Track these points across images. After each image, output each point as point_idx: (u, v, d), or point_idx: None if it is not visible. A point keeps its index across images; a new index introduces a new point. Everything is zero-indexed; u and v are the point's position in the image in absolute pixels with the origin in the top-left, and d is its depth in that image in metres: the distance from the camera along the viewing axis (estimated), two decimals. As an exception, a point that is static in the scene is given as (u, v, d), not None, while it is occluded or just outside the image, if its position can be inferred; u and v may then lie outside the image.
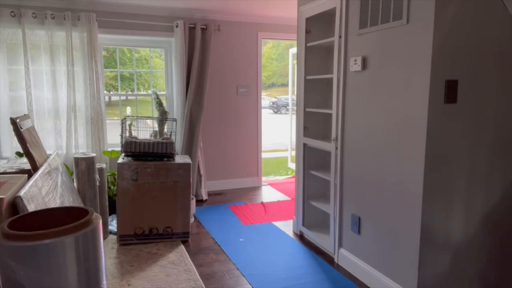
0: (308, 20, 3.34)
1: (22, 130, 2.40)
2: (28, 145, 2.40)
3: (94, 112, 4.30)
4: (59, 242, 1.37)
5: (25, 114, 3.01)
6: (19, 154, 3.91)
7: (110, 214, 3.86)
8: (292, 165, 5.97)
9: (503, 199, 2.40)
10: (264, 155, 5.74)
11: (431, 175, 2.21)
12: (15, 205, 2.09)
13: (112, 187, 4.18)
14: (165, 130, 3.97)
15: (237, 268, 2.98)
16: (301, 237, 3.61)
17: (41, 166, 2.54)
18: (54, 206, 2.26)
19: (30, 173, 2.55)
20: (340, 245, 3.04)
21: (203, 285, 2.71)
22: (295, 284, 2.75)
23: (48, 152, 3.43)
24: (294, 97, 4.08)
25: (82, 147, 4.36)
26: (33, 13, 3.96)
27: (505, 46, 2.27)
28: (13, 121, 2.37)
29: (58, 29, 4.08)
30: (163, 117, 3.88)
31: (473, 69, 2.21)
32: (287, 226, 3.87)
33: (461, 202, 2.30)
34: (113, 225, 3.74)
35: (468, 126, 2.25)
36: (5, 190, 2.06)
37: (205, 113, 4.85)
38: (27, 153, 2.41)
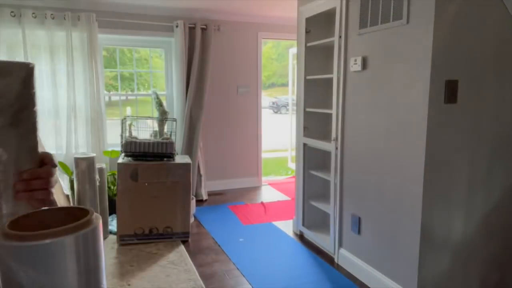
0: (308, 20, 3.34)
1: None
2: None
3: (94, 112, 4.29)
4: (59, 242, 1.37)
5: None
6: (19, 154, 3.91)
7: (110, 214, 3.85)
8: (292, 165, 5.97)
9: (503, 199, 2.40)
10: (264, 155, 5.73)
11: (431, 175, 2.21)
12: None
13: (112, 187, 4.17)
14: (165, 130, 3.96)
15: (237, 268, 2.98)
16: (301, 237, 3.61)
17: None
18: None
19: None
20: (340, 245, 3.04)
21: (203, 285, 2.70)
22: (295, 284, 2.75)
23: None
24: (294, 97, 4.08)
25: (82, 147, 4.36)
26: (33, 13, 3.96)
27: (505, 46, 2.27)
28: None
29: (58, 29, 4.07)
30: (163, 117, 3.87)
31: (473, 69, 2.21)
32: (287, 226, 3.87)
33: (461, 202, 2.30)
34: (113, 225, 3.72)
35: (468, 126, 2.25)
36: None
37: (205, 113, 4.84)
38: None
